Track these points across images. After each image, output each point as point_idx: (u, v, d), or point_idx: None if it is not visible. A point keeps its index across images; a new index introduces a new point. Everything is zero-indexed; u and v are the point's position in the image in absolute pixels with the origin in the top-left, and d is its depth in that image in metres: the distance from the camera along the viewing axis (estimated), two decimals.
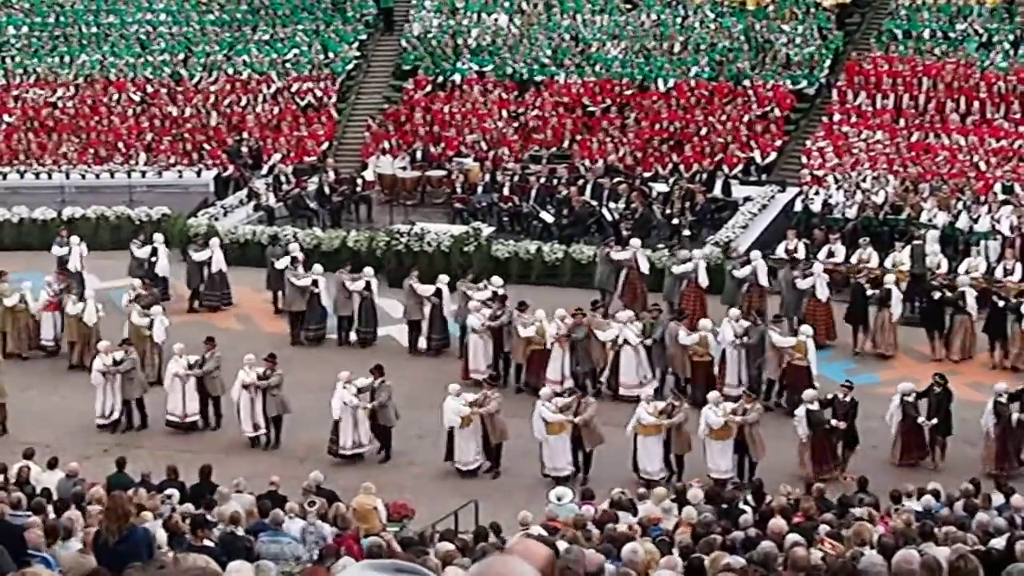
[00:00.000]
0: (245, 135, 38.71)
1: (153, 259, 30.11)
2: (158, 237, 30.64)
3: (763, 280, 27.86)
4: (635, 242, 29.41)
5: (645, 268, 28.80)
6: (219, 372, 24.87)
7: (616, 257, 29.00)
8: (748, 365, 25.03)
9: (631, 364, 25.39)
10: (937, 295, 26.86)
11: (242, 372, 24.14)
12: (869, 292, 27.17)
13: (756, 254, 28.43)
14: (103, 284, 30.20)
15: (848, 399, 22.71)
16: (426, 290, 27.60)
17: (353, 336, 28.38)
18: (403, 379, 25.72)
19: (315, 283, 28.31)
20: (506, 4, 42.37)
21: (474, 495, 21.49)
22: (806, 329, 24.78)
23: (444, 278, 27.74)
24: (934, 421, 22.70)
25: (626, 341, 25.29)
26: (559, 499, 19.32)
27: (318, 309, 28.45)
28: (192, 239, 31.25)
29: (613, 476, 21.90)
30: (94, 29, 43.22)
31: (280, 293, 29.63)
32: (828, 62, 38.69)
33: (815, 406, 22.54)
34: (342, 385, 23.35)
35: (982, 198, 31.75)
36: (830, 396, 22.87)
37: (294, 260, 29.14)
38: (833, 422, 22.49)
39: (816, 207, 32.80)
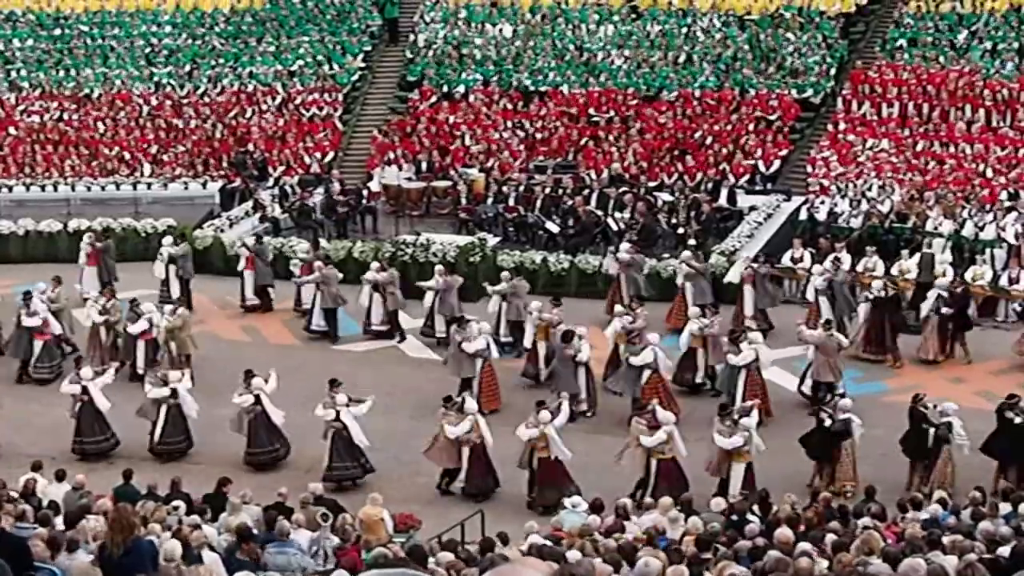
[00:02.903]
0: (250, 147, 38.76)
1: (171, 266, 30.38)
2: (166, 241, 30.99)
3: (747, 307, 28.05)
4: (623, 245, 29.91)
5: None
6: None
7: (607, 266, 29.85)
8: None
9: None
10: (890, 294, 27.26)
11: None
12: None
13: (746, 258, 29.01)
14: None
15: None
16: (430, 286, 28.27)
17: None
18: (412, 389, 25.73)
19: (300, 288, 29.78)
20: (510, 15, 42.44)
21: (480, 505, 21.49)
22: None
23: (440, 268, 28.53)
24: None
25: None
26: (574, 506, 19.32)
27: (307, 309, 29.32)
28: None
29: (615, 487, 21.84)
30: (99, 42, 43.29)
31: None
32: (833, 71, 38.69)
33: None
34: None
35: (987, 206, 31.75)
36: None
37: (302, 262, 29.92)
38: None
39: (822, 216, 32.81)
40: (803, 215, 33.14)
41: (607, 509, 18.79)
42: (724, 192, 34.00)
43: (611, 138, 37.32)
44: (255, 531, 15.94)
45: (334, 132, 39.79)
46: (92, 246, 30.66)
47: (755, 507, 18.60)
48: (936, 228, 31.04)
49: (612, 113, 38.50)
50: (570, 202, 33.34)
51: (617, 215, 32.78)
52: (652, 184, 35.23)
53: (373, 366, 27.34)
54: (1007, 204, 31.76)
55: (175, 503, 18.53)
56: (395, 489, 22.18)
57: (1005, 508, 17.44)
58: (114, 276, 30.35)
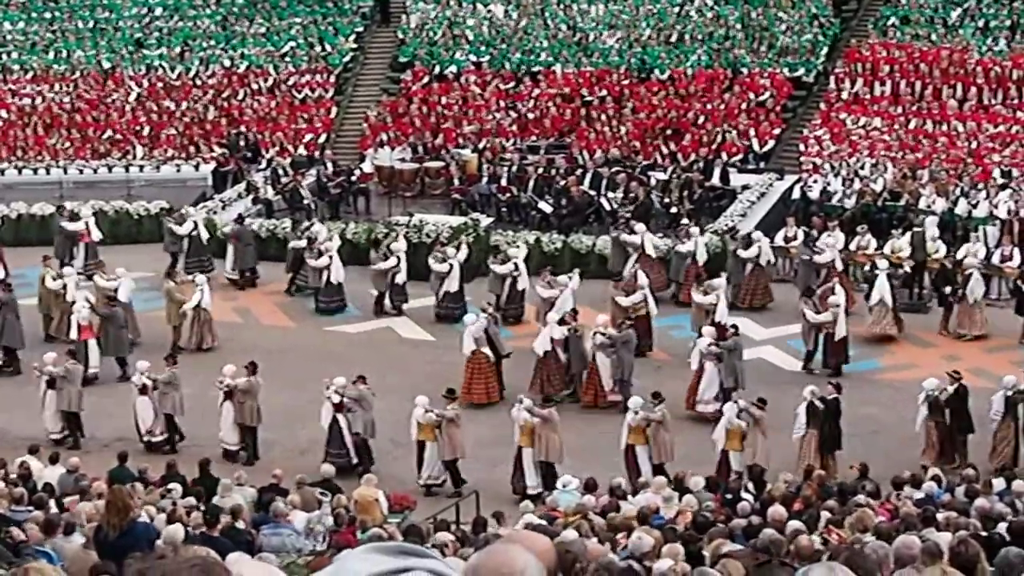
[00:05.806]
0: (243, 128, 38.68)
1: (194, 232, 30.80)
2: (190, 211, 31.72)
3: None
4: (640, 227, 29.52)
5: (652, 251, 28.99)
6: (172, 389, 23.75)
7: (625, 239, 29.28)
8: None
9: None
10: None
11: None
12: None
13: (759, 235, 28.87)
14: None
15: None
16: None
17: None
18: (406, 369, 25.73)
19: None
20: None
21: (476, 486, 21.52)
22: (834, 299, 25.06)
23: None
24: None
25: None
26: (564, 485, 19.33)
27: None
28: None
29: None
30: (90, 24, 43.18)
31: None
32: (825, 49, 38.66)
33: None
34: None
35: (980, 184, 31.77)
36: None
37: (311, 241, 29.65)
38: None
39: (814, 194, 32.82)
40: (796, 194, 33.16)
41: (600, 488, 18.80)
42: (717, 171, 33.98)
43: (604, 117, 37.27)
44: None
45: (326, 114, 39.72)
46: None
47: (750, 485, 18.63)
48: (929, 206, 31.05)
49: (605, 93, 38.44)
50: (563, 182, 33.31)
51: (610, 195, 32.76)
52: (645, 163, 35.20)
53: (367, 347, 27.31)
54: (1000, 181, 31.79)
55: (171, 485, 18.57)
56: (390, 470, 22.19)
57: (999, 485, 17.50)
58: None
